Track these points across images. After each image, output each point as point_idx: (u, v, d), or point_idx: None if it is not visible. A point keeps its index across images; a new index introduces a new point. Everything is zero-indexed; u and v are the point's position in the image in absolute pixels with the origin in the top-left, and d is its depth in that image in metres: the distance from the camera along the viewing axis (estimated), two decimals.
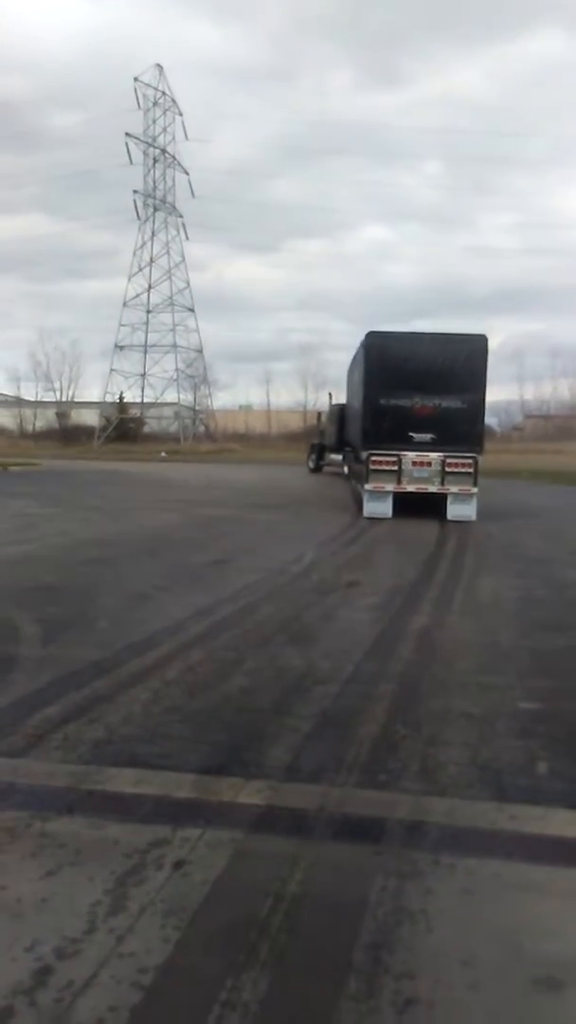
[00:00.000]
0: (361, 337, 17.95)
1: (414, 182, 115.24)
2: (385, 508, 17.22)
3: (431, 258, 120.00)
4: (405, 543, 14.02)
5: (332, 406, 33.31)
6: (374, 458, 17.11)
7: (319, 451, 34.94)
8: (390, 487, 17.10)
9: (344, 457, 29.70)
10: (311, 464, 35.47)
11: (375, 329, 17.60)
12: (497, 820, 3.64)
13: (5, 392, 78.06)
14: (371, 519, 16.73)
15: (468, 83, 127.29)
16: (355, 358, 21.92)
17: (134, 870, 3.08)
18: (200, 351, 69.52)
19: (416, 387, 16.86)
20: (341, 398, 31.61)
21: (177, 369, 67.03)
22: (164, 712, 4.90)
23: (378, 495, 17.21)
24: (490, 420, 75.71)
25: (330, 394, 36.51)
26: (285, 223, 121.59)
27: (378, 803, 3.77)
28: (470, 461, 17.01)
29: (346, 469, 29.00)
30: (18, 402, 74.33)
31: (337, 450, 31.18)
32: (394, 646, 6.71)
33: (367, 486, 17.26)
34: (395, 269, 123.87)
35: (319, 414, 38.12)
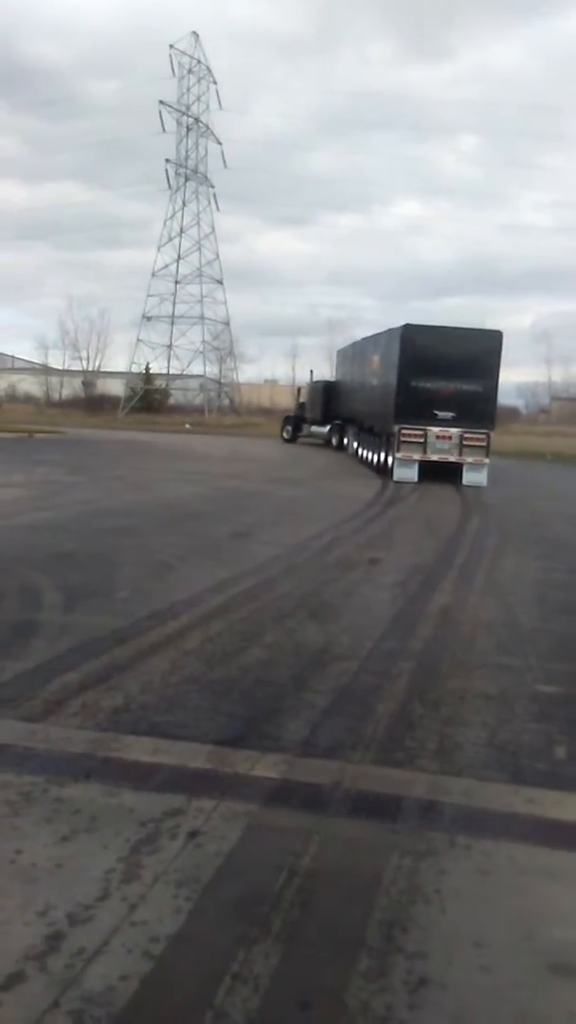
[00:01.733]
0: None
1: (450, 157, 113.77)
2: (412, 474, 20.33)
3: (464, 235, 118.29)
4: (428, 522, 13.94)
5: (315, 382, 36.51)
6: (404, 431, 20.28)
7: (295, 423, 37.39)
8: (417, 456, 20.34)
9: (330, 429, 33.41)
10: (285, 435, 37.60)
11: (410, 322, 20.77)
12: (514, 803, 3.61)
13: (33, 360, 78.33)
14: (397, 487, 16.93)
15: (508, 57, 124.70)
16: (371, 342, 25.53)
17: (148, 839, 3.08)
18: (227, 324, 69.19)
19: (440, 372, 20.11)
20: (321, 376, 36.01)
21: (204, 341, 66.77)
22: (182, 682, 4.90)
23: (406, 463, 20.36)
24: (516, 401, 75.12)
25: (311, 371, 39.18)
26: (318, 196, 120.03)
27: (394, 781, 3.75)
28: (484, 436, 20.36)
29: (334, 440, 32.78)
30: (45, 370, 74.44)
31: (321, 423, 34.30)
32: (414, 624, 6.67)
33: (397, 455, 20.32)
34: (428, 245, 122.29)
35: (299, 389, 39.75)
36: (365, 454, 25.98)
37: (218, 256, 68.53)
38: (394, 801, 3.56)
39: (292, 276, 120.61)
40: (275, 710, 4.57)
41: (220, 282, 68.38)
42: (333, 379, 35.49)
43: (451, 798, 3.60)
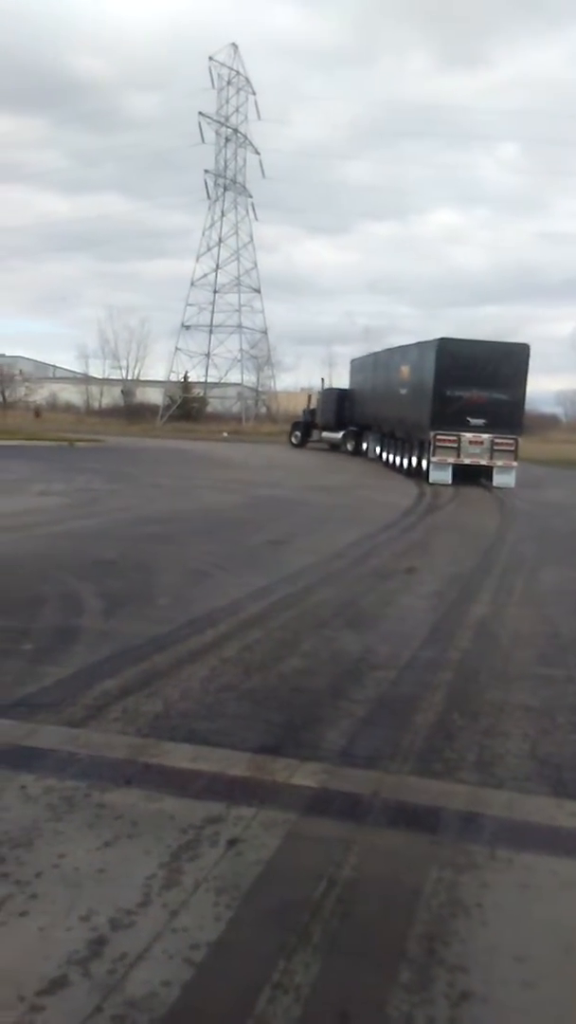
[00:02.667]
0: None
1: (489, 165, 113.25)
2: (446, 476, 22.11)
3: (502, 243, 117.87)
4: (465, 531, 13.86)
5: (326, 390, 38.67)
6: (439, 437, 22.06)
7: (304, 429, 39.07)
8: (451, 460, 22.12)
9: (344, 435, 35.49)
10: (294, 440, 39.23)
11: (446, 336, 22.93)
12: (556, 816, 3.57)
13: (73, 369, 79.28)
14: (434, 496, 16.87)
15: (547, 65, 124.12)
16: (399, 352, 27.53)
17: (189, 845, 3.10)
18: (265, 332, 69.45)
19: (472, 382, 22.05)
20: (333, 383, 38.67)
21: (241, 350, 67.11)
22: (221, 689, 4.92)
23: (441, 466, 22.16)
24: (556, 409, 74.31)
25: (322, 379, 41.23)
26: (356, 205, 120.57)
27: (434, 792, 3.73)
28: (513, 441, 22.36)
29: (349, 446, 34.87)
30: (85, 379, 75.31)
31: (334, 429, 36.23)
32: (452, 634, 6.63)
33: (433, 459, 22.15)
34: (465, 253, 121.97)
35: (309, 396, 41.49)
36: (391, 458, 27.73)
37: (256, 265, 68.90)
38: (433, 812, 3.54)
39: (329, 285, 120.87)
40: (313, 719, 4.57)
41: (258, 291, 68.71)
42: (346, 388, 37.37)
43: (492, 810, 3.57)
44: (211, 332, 66.94)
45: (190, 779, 3.68)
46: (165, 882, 2.85)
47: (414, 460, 24.47)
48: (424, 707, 4.85)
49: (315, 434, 38.35)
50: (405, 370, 25.95)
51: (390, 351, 30.05)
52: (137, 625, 6.28)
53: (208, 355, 66.87)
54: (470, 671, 5.63)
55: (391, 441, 28.23)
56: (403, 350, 27.32)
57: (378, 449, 30.56)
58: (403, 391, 25.88)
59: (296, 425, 40.49)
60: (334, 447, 36.26)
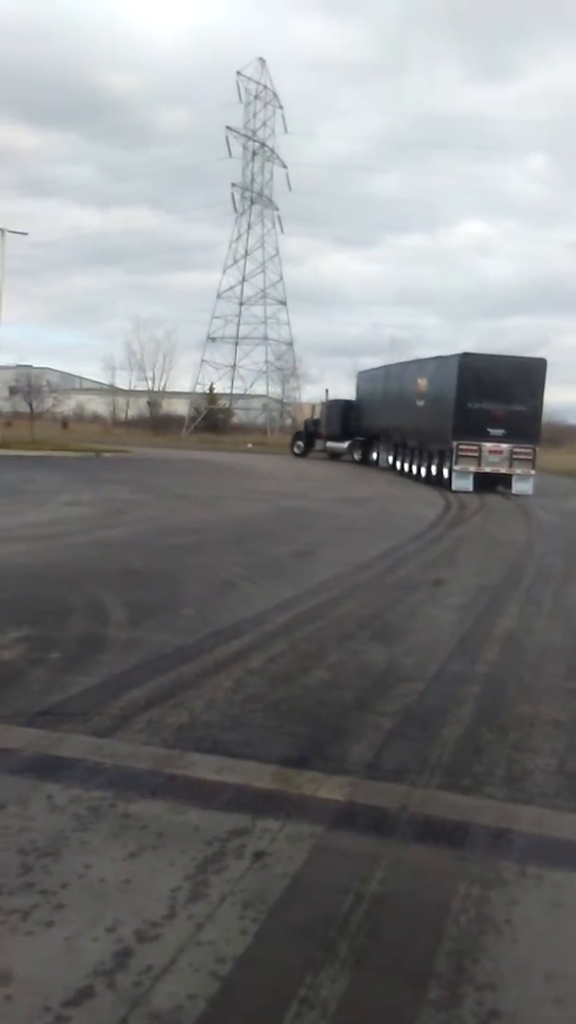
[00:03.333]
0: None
1: (517, 176, 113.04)
2: (467, 484, 23.63)
3: (531, 254, 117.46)
4: (492, 543, 13.77)
5: (331, 401, 39.80)
6: (461, 447, 23.59)
7: (307, 439, 40.55)
8: (472, 468, 23.69)
9: (351, 445, 37.29)
10: (296, 450, 40.62)
11: (468, 351, 24.62)
12: None
13: (100, 380, 79.92)
14: (461, 509, 16.80)
15: None
16: (415, 366, 29.05)
17: (214, 858, 3.08)
18: (290, 344, 69.67)
19: (492, 395, 23.62)
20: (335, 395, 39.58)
21: (267, 361, 67.36)
22: (246, 701, 4.90)
23: (463, 474, 23.69)
24: None
25: (326, 391, 41.99)
26: (383, 217, 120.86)
27: (462, 807, 3.68)
28: (530, 450, 23.94)
29: (356, 455, 36.75)
30: (112, 390, 75.96)
31: (340, 439, 37.93)
32: (480, 647, 6.57)
33: (455, 467, 23.67)
34: (493, 264, 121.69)
35: (313, 407, 42.62)
36: (405, 467, 29.42)
37: (282, 278, 69.20)
38: (462, 828, 3.49)
39: (356, 297, 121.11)
40: (339, 731, 4.54)
41: (284, 303, 68.97)
42: (351, 399, 39.03)
43: (521, 826, 3.52)
44: (237, 344, 67.25)
45: (216, 791, 3.66)
46: (191, 894, 2.83)
47: (433, 469, 25.86)
48: (452, 721, 4.80)
49: (318, 444, 39.80)
50: (422, 383, 27.27)
51: (403, 364, 31.67)
52: (163, 635, 6.29)
53: (234, 367, 67.16)
54: (498, 684, 5.58)
55: (404, 450, 29.87)
56: (419, 363, 28.91)
57: (391, 458, 31.97)
58: (420, 403, 27.20)
59: (298, 435, 41.89)
60: (334, 456, 38.17)
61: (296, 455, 40.03)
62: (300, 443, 41.11)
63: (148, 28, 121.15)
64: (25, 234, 38.23)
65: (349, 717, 4.78)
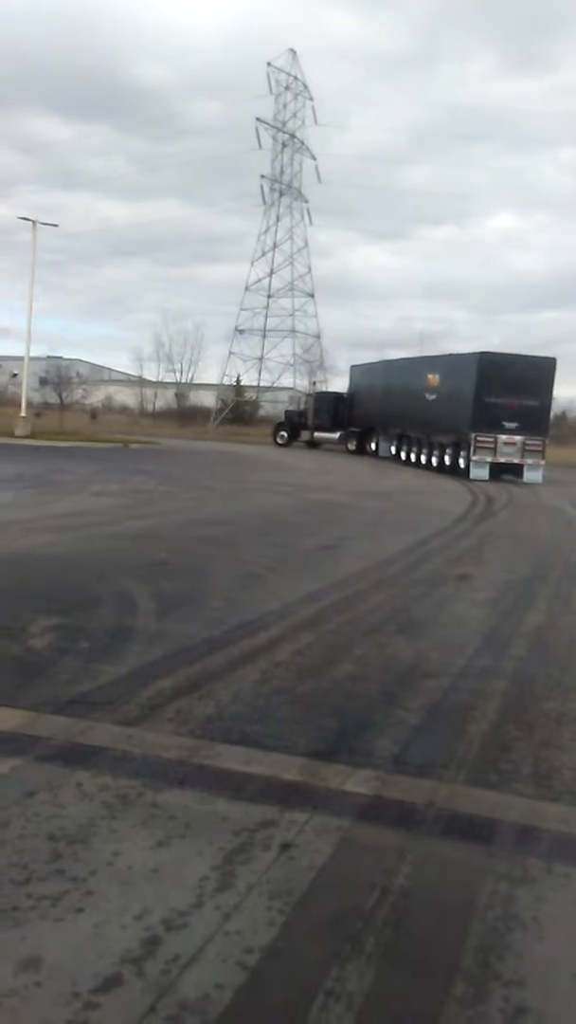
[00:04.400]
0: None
1: (550, 169, 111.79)
2: (484, 473, 25.93)
3: (562, 247, 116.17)
4: (519, 538, 13.69)
5: (319, 393, 43.24)
6: (479, 439, 25.95)
7: (291, 429, 41.76)
8: (488, 459, 25.99)
9: (342, 435, 39.24)
10: (280, 440, 41.71)
11: (486, 350, 27.25)
12: None
13: (129, 372, 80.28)
14: (488, 503, 16.73)
15: None
16: (426, 363, 31.47)
17: (242, 848, 3.10)
18: (318, 337, 69.47)
19: (507, 391, 25.81)
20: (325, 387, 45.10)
21: (294, 354, 67.26)
22: (273, 693, 4.92)
23: (480, 464, 25.96)
24: None
25: (314, 383, 46.43)
26: (414, 209, 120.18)
27: (489, 803, 3.67)
28: (541, 442, 26.45)
29: (350, 445, 38.53)
30: (140, 382, 76.25)
31: (330, 429, 39.87)
32: (507, 643, 6.54)
33: (473, 458, 25.97)
34: (524, 258, 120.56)
35: (302, 398, 44.55)
36: (412, 457, 31.61)
37: (310, 270, 68.98)
38: (488, 824, 3.48)
39: (385, 289, 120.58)
40: (366, 725, 4.54)
41: (312, 295, 68.78)
42: (341, 392, 41.74)
43: (548, 824, 3.50)
44: (264, 336, 67.19)
45: (243, 782, 3.68)
46: (218, 884, 2.85)
47: (447, 458, 28.09)
48: (478, 716, 4.78)
49: (304, 434, 41.13)
50: (433, 378, 29.46)
51: (408, 360, 34.71)
52: (190, 626, 6.32)
53: (261, 359, 67.12)
54: (525, 681, 5.55)
55: (409, 441, 32.22)
56: (430, 360, 31.81)
57: (393, 449, 34.21)
58: (431, 396, 29.46)
59: (281, 426, 42.88)
60: (312, 445, 40.04)
61: (280, 444, 40.92)
62: (283, 433, 42.04)
63: (181, 20, 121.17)
64: (56, 226, 38.45)
65: (375, 711, 4.77)
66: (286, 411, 44.40)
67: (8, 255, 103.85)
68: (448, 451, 27.94)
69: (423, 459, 30.19)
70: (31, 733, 4.06)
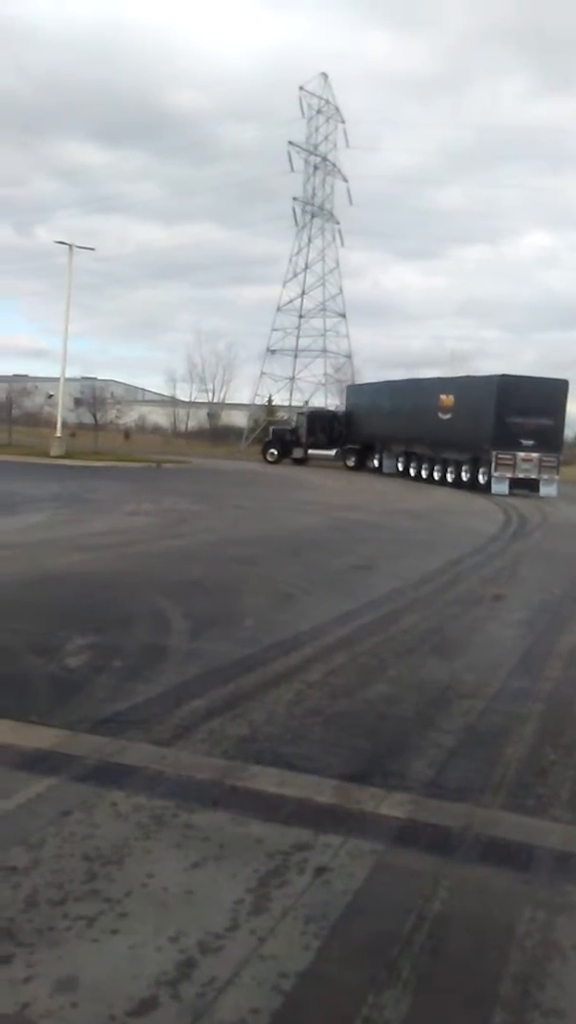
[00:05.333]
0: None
1: None
2: (504, 488, 27.62)
3: None
4: (553, 558, 13.55)
5: (313, 411, 44.43)
6: (499, 456, 27.77)
7: (281, 447, 41.86)
8: (508, 475, 27.81)
9: (339, 453, 40.37)
10: (270, 458, 41.80)
11: (506, 373, 29.43)
12: None
13: (162, 392, 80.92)
14: (520, 523, 16.63)
15: None
16: (438, 383, 33.43)
17: (276, 871, 3.08)
18: (349, 357, 69.50)
19: (524, 411, 27.74)
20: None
21: (326, 374, 67.31)
22: (306, 714, 4.90)
23: (501, 480, 27.76)
24: None
25: (306, 402, 47.79)
26: (447, 230, 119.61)
27: (526, 829, 3.62)
28: (555, 459, 28.57)
29: (350, 462, 39.76)
30: (173, 402, 76.77)
31: (326, 447, 40.79)
32: (543, 664, 6.46)
33: (495, 474, 27.81)
34: (558, 277, 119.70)
35: (289, 418, 46.09)
36: (423, 474, 33.01)
37: (341, 291, 69.14)
38: (526, 850, 3.43)
39: (417, 309, 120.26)
40: (400, 747, 4.50)
41: (343, 316, 68.92)
42: (334, 410, 44.09)
43: None
44: (296, 356, 67.35)
45: (277, 804, 3.66)
46: (253, 908, 2.83)
47: (463, 475, 29.80)
48: (514, 739, 4.73)
49: (297, 451, 41.47)
50: (447, 398, 31.05)
51: (420, 381, 36.27)
52: (223, 646, 6.32)
53: (292, 379, 67.27)
54: (562, 703, 5.47)
55: (416, 458, 33.97)
56: (442, 381, 33.79)
57: (400, 465, 35.66)
58: (445, 416, 30.99)
59: (270, 443, 43.17)
60: (298, 462, 40.65)
61: (270, 462, 41.29)
62: (273, 451, 42.45)
63: (215, 47, 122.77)
64: (92, 249, 38.97)
65: (410, 733, 4.74)
66: (274, 429, 45.40)
67: (46, 278, 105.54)
68: (465, 468, 29.63)
69: (435, 475, 31.70)
70: (66, 752, 4.08)
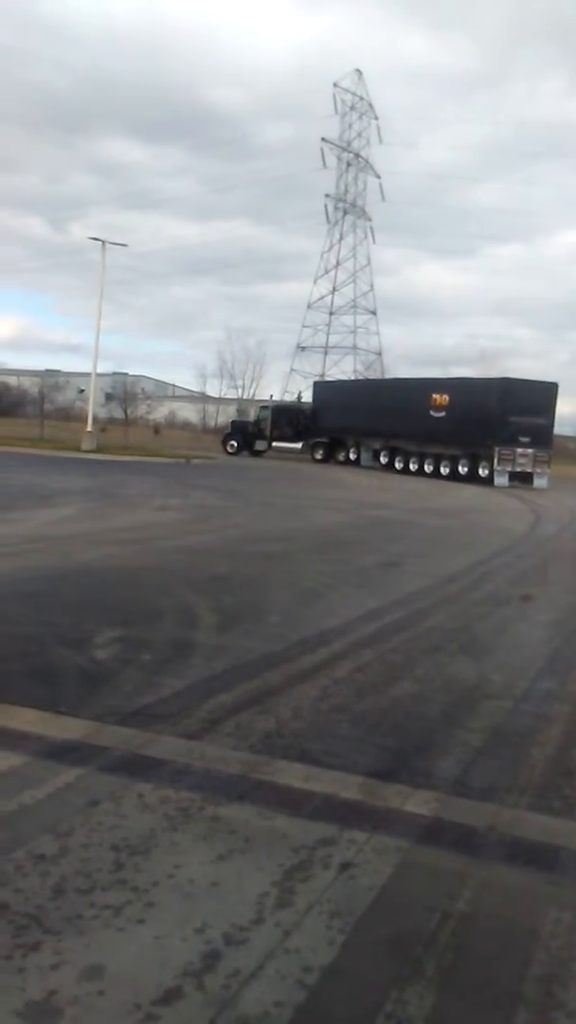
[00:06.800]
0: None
1: None
2: (505, 480, 31.05)
3: None
4: None
5: (278, 405, 46.03)
6: (502, 452, 31.16)
7: (242, 439, 43.11)
8: (508, 468, 31.26)
9: (312, 445, 42.28)
10: (230, 449, 42.74)
11: (507, 376, 34.11)
12: None
13: (191, 388, 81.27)
14: (548, 523, 16.48)
15: None
16: (432, 384, 35.92)
17: (301, 866, 3.09)
18: (379, 354, 69.51)
19: (522, 411, 31.15)
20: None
21: (355, 371, 67.30)
22: (332, 710, 4.91)
23: (503, 473, 31.13)
24: None
25: (271, 395, 50.09)
26: (480, 227, 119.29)
27: (553, 830, 3.60)
28: (547, 454, 32.06)
29: (318, 455, 41.79)
30: (203, 398, 77.08)
31: (292, 440, 42.79)
32: (571, 666, 6.41)
33: (497, 468, 31.20)
34: None
35: (259, 409, 46.65)
36: (412, 467, 35.63)
37: (372, 288, 69.08)
38: (552, 851, 3.42)
39: (450, 307, 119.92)
40: (426, 745, 4.50)
41: (374, 313, 68.83)
42: (301, 404, 46.09)
43: None
44: (326, 353, 67.46)
45: (302, 799, 3.68)
46: (278, 901, 2.85)
47: (460, 468, 32.99)
48: (541, 740, 4.70)
49: (259, 444, 42.82)
50: (441, 398, 33.98)
51: (404, 380, 41.21)
52: (250, 641, 6.35)
53: (322, 376, 67.26)
54: None
55: (403, 453, 36.50)
56: (433, 381, 36.52)
57: (384, 459, 37.94)
58: (439, 414, 33.94)
59: (230, 436, 44.22)
60: (256, 454, 42.19)
61: (230, 453, 41.92)
62: (233, 443, 43.23)
63: (252, 44, 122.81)
64: (125, 246, 39.34)
65: (436, 731, 4.73)
66: (233, 421, 47.12)
67: (79, 274, 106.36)
68: (462, 462, 32.94)
69: (426, 468, 34.67)
70: (95, 743, 4.12)
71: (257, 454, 42.46)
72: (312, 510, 17.65)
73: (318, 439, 42.17)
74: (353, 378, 44.34)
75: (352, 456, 40.53)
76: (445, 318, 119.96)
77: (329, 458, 41.33)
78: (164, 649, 5.96)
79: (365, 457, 39.73)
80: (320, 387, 46.24)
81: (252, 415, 46.38)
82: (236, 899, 2.85)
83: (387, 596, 8.52)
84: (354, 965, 2.56)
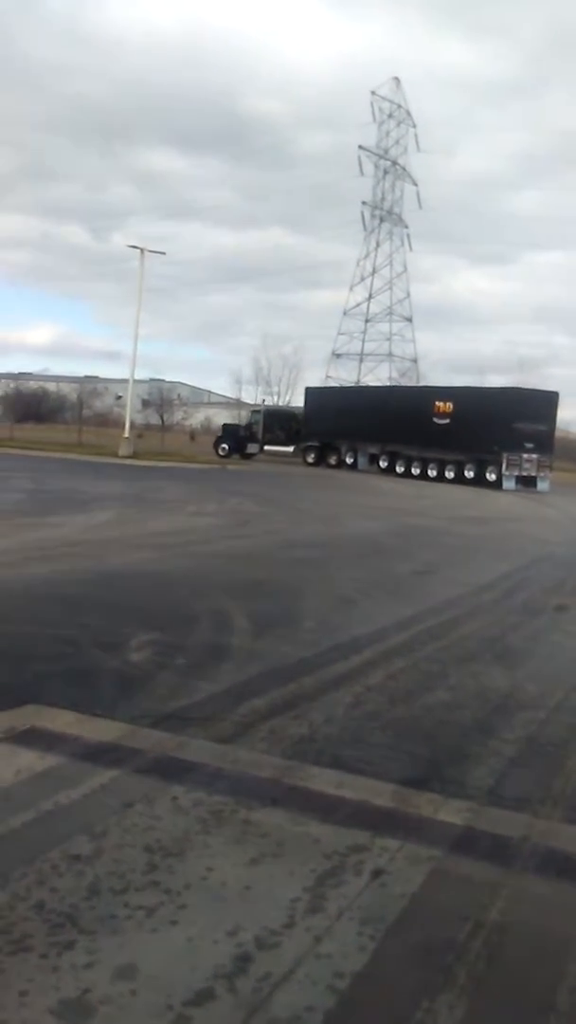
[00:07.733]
0: None
1: None
2: (512, 484, 32.75)
3: None
4: None
5: (270, 409, 47.44)
6: (510, 457, 32.92)
7: (234, 442, 43.20)
8: (516, 473, 33.10)
9: (304, 449, 43.29)
10: (221, 452, 42.60)
11: (516, 386, 37.62)
12: None
13: (227, 394, 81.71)
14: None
15: None
16: (432, 392, 38.53)
17: (333, 872, 3.10)
18: (415, 361, 69.31)
19: (527, 418, 33.04)
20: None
21: (391, 378, 67.14)
22: (365, 717, 4.91)
23: (511, 477, 32.89)
24: None
25: (263, 400, 52.12)
26: (519, 235, 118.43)
27: None
28: (548, 459, 33.93)
29: (310, 458, 42.76)
30: (238, 404, 77.43)
31: (284, 443, 43.75)
32: None
33: (505, 472, 32.91)
34: None
35: (251, 414, 47.86)
36: (415, 472, 36.66)
37: (408, 295, 68.95)
38: None
39: (488, 314, 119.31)
40: (459, 754, 4.48)
41: (410, 320, 68.66)
42: (293, 409, 47.43)
43: None
44: (361, 360, 67.41)
45: (335, 805, 3.68)
46: (309, 906, 2.86)
47: (467, 472, 34.09)
48: None
49: (251, 447, 43.11)
50: (444, 405, 35.60)
51: (404, 388, 45.98)
52: (284, 647, 6.37)
53: (357, 383, 67.19)
54: None
55: (403, 457, 37.56)
56: (436, 389, 39.21)
57: (383, 464, 38.83)
58: (442, 421, 35.51)
59: (221, 439, 44.25)
60: (246, 457, 42.17)
61: (221, 456, 41.70)
62: (224, 446, 43.00)
63: (293, 54, 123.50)
64: (163, 254, 39.71)
65: (469, 741, 4.71)
66: (225, 425, 47.73)
67: (118, 282, 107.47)
68: (468, 467, 34.15)
69: (430, 473, 35.68)
70: (129, 745, 4.17)
71: (248, 457, 42.50)
72: (348, 516, 17.64)
73: (310, 443, 43.10)
74: (352, 385, 46.61)
75: (348, 460, 41.32)
76: (483, 325, 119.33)
77: (320, 462, 42.19)
78: (198, 653, 6.00)
79: (362, 461, 40.69)
80: (312, 393, 47.25)
81: (245, 419, 47.54)
82: (268, 903, 2.86)
83: (421, 604, 8.48)
84: (385, 972, 2.56)
